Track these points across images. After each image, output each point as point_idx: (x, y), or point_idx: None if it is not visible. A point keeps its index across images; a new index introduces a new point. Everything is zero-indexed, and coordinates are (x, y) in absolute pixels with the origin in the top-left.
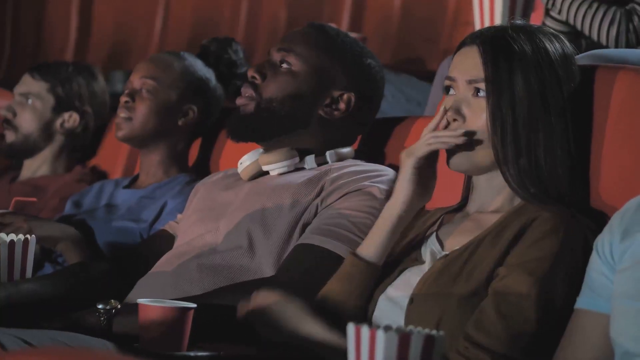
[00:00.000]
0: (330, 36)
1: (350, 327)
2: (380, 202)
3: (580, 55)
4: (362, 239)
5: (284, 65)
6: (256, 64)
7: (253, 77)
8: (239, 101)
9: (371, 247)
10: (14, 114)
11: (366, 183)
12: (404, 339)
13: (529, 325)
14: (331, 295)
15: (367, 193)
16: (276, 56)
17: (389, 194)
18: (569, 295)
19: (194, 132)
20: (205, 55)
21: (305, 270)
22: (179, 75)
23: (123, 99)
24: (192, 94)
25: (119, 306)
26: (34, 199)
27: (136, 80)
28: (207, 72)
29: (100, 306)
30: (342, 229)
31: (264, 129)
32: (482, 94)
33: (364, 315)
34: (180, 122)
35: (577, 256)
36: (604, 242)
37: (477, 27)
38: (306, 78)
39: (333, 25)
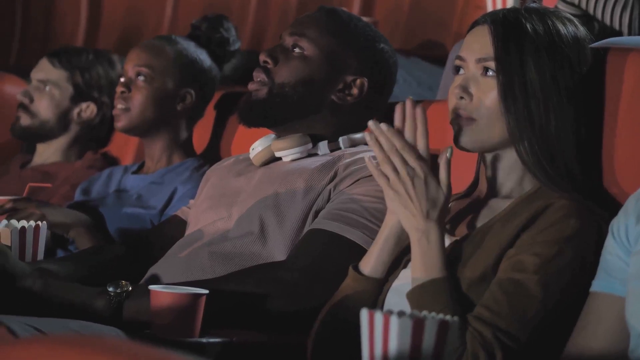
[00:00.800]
0: (343, 20)
1: (364, 313)
2: None
3: (595, 43)
4: (374, 224)
5: (297, 50)
6: (268, 49)
7: (265, 62)
8: (251, 86)
9: (370, 262)
10: (31, 100)
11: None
12: (418, 324)
13: (532, 305)
14: (338, 310)
15: (372, 180)
16: (288, 40)
17: None
18: (580, 281)
19: (193, 115)
20: (197, 36)
21: (316, 256)
22: (173, 60)
23: (119, 89)
24: (187, 77)
25: (129, 288)
26: (49, 185)
27: (130, 69)
28: (200, 54)
29: (110, 289)
30: (354, 213)
31: (276, 114)
32: (491, 73)
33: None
34: (178, 107)
35: (589, 244)
36: (619, 224)
37: (489, 9)
38: (319, 63)
39: (344, 9)
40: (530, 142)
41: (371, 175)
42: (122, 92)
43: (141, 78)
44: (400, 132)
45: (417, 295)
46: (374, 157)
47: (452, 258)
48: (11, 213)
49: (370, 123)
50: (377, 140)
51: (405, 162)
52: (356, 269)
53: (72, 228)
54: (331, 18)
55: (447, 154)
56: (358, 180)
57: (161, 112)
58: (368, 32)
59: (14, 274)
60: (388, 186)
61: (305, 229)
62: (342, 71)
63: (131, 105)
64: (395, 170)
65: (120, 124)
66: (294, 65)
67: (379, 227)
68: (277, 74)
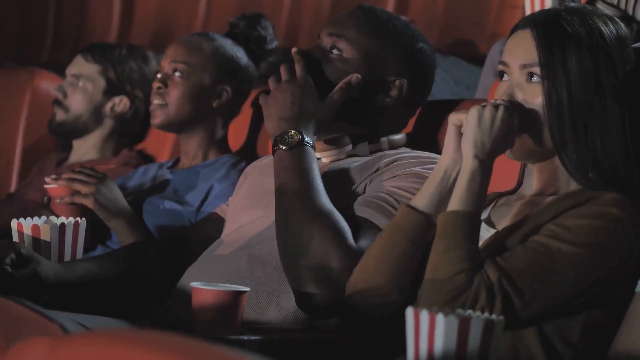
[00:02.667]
0: (382, 20)
1: (410, 311)
2: None
3: (636, 44)
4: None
5: (335, 52)
6: (305, 49)
7: None
8: None
9: (422, 198)
10: (65, 95)
11: (417, 168)
12: (464, 323)
13: (549, 269)
14: (378, 243)
15: (417, 175)
16: (326, 41)
17: None
18: (609, 271)
19: (229, 112)
20: (234, 34)
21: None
22: (210, 56)
23: (155, 85)
24: (224, 74)
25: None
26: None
27: (167, 65)
28: (237, 51)
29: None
30: (383, 201)
31: None
32: (536, 78)
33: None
34: (215, 104)
35: (629, 236)
36: None
37: (527, 10)
38: (357, 65)
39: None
40: (574, 148)
41: (409, 172)
42: (159, 88)
43: (178, 74)
44: None
45: (448, 219)
46: None
47: (491, 250)
48: (69, 180)
49: None
50: None
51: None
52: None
53: (113, 219)
54: (370, 18)
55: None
56: (396, 175)
57: (197, 108)
58: (407, 32)
59: (47, 279)
60: (477, 106)
61: None
62: (382, 72)
63: (168, 101)
64: (495, 100)
65: (156, 120)
66: (333, 67)
67: None
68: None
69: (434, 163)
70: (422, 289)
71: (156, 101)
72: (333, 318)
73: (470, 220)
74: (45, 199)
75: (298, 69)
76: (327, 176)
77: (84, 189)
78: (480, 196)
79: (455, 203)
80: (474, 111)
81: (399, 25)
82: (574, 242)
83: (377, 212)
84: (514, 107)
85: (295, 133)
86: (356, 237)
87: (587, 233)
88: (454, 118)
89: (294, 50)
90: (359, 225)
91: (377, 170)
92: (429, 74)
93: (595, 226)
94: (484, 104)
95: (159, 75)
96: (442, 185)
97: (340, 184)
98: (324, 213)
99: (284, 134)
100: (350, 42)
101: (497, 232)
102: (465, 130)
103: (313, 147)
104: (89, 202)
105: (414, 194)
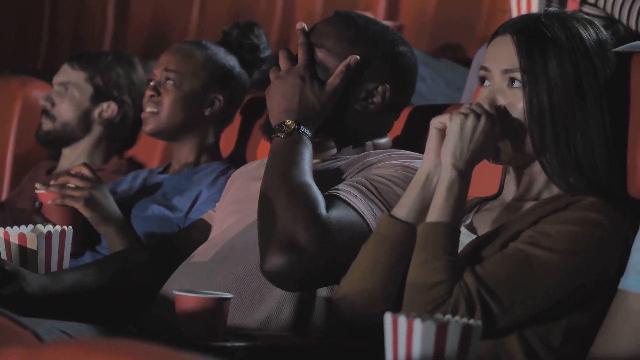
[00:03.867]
0: (361, 27)
1: (388, 317)
2: (413, 174)
3: (619, 48)
4: (377, 198)
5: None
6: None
7: None
8: None
9: (404, 207)
10: (53, 104)
11: (403, 161)
12: (441, 328)
13: (528, 276)
14: (366, 255)
15: (401, 166)
16: None
17: None
18: (588, 275)
19: (222, 120)
20: (227, 42)
21: None
22: (202, 64)
23: (148, 92)
24: (216, 82)
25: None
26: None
27: (159, 73)
28: (230, 60)
29: None
30: (359, 184)
31: None
32: (517, 84)
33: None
34: (207, 112)
35: (609, 240)
36: None
37: (514, 14)
38: (338, 74)
39: (368, 13)
40: (554, 154)
41: (393, 163)
42: (151, 96)
43: (170, 82)
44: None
45: (428, 230)
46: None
47: (471, 256)
48: (60, 186)
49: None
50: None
51: (483, 107)
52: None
53: (103, 224)
54: (349, 25)
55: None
56: (380, 164)
57: (189, 116)
58: (387, 37)
59: (34, 293)
60: (460, 112)
61: None
62: (364, 80)
63: (160, 108)
64: (479, 106)
65: (148, 127)
66: None
67: (381, 202)
68: None
69: (420, 159)
70: (404, 300)
71: (148, 109)
72: (297, 291)
73: (449, 231)
74: (37, 204)
75: (300, 53)
76: (315, 175)
77: (75, 192)
78: (459, 206)
79: (434, 214)
80: (456, 119)
81: (377, 30)
82: (553, 249)
83: (351, 190)
84: (495, 115)
85: (291, 122)
86: (327, 209)
87: (567, 239)
88: (436, 121)
89: (299, 26)
90: (330, 200)
91: (363, 165)
92: (411, 76)
93: (575, 232)
94: (465, 110)
95: (151, 83)
96: (424, 191)
97: (326, 180)
98: (300, 185)
99: (282, 124)
100: (329, 52)
101: (477, 238)
102: (446, 138)
103: (310, 138)
104: (79, 205)
105: (393, 182)
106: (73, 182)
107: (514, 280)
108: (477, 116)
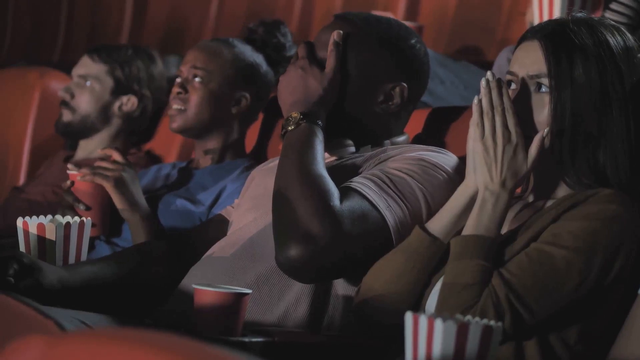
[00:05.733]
0: (361, 28)
1: (408, 316)
2: (428, 167)
3: None
4: (392, 190)
5: None
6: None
7: None
8: None
9: (438, 222)
10: (72, 96)
11: (422, 153)
12: (462, 328)
13: (554, 279)
14: (393, 265)
15: (419, 159)
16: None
17: (447, 169)
18: (612, 269)
19: (247, 118)
20: (253, 40)
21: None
22: (230, 62)
23: (175, 90)
24: (243, 80)
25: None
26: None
27: (187, 70)
28: (257, 58)
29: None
30: (374, 176)
31: None
32: (544, 89)
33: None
34: (233, 110)
35: (630, 233)
36: None
37: (536, 19)
38: (354, 79)
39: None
40: (578, 159)
41: (412, 156)
42: (179, 93)
43: (197, 79)
44: (508, 95)
45: (460, 242)
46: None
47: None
48: (93, 168)
49: (489, 74)
50: (488, 92)
51: (505, 124)
52: (424, 229)
53: (129, 210)
54: (349, 28)
55: (544, 133)
56: (397, 160)
57: (216, 114)
58: (397, 32)
59: (51, 285)
60: (480, 139)
61: None
62: (378, 82)
63: (187, 106)
64: (493, 127)
65: (175, 124)
66: None
67: (397, 195)
68: None
69: (441, 153)
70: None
71: (175, 106)
72: (311, 283)
73: (481, 241)
74: (69, 182)
75: (300, 52)
76: (331, 170)
77: (107, 172)
78: (492, 223)
79: (467, 229)
80: (476, 142)
81: (380, 28)
82: (577, 248)
83: (366, 182)
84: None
85: (297, 114)
86: (341, 201)
87: (589, 235)
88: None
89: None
90: (345, 192)
91: (379, 160)
92: (425, 67)
93: (596, 228)
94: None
95: (178, 80)
96: (462, 213)
97: (342, 175)
98: (313, 177)
99: (289, 117)
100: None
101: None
102: (470, 163)
103: (318, 125)
104: (109, 186)
105: (408, 175)
106: (105, 165)
107: (541, 284)
108: (494, 135)
